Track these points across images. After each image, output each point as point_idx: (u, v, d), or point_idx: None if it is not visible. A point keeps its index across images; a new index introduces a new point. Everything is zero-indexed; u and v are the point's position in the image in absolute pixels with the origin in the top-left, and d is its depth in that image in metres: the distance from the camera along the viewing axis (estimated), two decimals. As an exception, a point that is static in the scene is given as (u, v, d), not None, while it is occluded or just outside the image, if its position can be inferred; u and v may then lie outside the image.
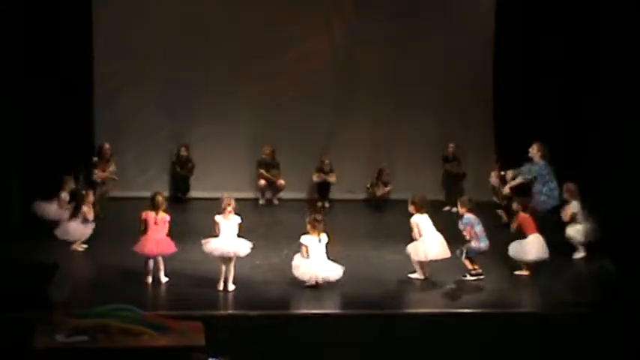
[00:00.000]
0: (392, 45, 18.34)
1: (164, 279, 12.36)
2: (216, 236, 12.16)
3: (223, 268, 12.11)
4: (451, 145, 17.89)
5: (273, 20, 18.02)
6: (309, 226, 12.39)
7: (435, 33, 18.34)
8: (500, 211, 15.99)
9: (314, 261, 12.25)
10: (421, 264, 12.90)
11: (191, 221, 14.75)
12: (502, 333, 11.44)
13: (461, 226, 12.99)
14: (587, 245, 14.20)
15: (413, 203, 13.01)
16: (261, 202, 17.75)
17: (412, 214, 12.95)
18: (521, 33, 17.61)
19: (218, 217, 12.18)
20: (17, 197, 15.37)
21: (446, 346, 11.28)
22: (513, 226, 13.59)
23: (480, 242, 12.90)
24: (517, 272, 13.35)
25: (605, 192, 14.70)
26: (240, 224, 12.23)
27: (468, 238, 12.90)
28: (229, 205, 12.15)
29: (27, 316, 10.20)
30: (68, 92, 16.36)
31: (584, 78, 16.34)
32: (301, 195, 17.79)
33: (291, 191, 17.91)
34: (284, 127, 17.81)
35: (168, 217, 12.47)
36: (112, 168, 16.38)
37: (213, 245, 12.15)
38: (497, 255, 13.75)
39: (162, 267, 12.36)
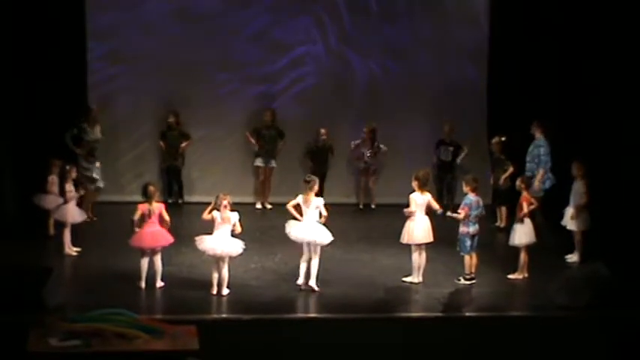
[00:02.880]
0: (385, 48, 18.40)
1: (160, 283, 12.35)
2: (210, 233, 12.15)
3: (215, 272, 12.11)
4: (445, 127, 17.65)
5: (269, 24, 18.06)
6: (304, 185, 12.53)
7: (428, 35, 18.42)
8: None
9: (304, 223, 12.32)
10: (418, 266, 12.92)
11: (185, 225, 14.73)
12: (496, 336, 11.45)
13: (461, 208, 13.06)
14: (583, 240, 14.23)
15: (417, 179, 13.00)
16: (258, 206, 17.72)
17: (413, 190, 12.98)
18: (516, 32, 17.70)
19: (216, 213, 12.14)
20: (11, 198, 15.40)
21: (440, 349, 11.28)
22: (520, 212, 13.45)
23: (468, 227, 12.91)
24: (511, 276, 13.36)
25: (601, 191, 14.73)
26: (240, 221, 12.20)
27: (461, 217, 12.91)
28: (225, 200, 12.13)
29: (21, 320, 10.21)
30: (62, 97, 16.39)
31: (582, 78, 16.43)
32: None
33: (287, 195, 17.86)
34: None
35: (162, 206, 12.47)
36: (97, 130, 16.32)
37: (206, 244, 12.14)
38: (491, 258, 13.78)
39: (159, 270, 12.34)
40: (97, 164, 16.18)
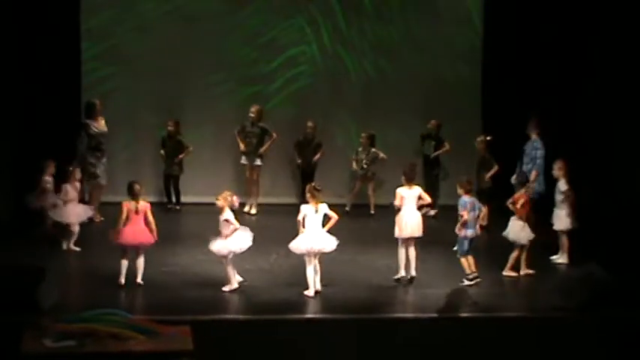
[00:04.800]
0: (379, 48, 18.42)
1: (140, 281, 12.32)
2: (227, 235, 12.15)
3: (231, 269, 12.16)
4: (432, 121, 17.68)
5: (261, 24, 18.07)
6: (308, 195, 12.36)
7: (422, 35, 18.46)
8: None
9: (309, 233, 12.21)
10: (405, 261, 12.90)
11: (180, 226, 14.72)
12: (493, 337, 11.44)
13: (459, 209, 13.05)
14: (570, 242, 14.22)
15: (404, 174, 13.04)
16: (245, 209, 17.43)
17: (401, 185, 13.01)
18: (510, 32, 17.78)
19: (229, 213, 12.16)
20: (8, 198, 15.38)
21: (435, 350, 11.28)
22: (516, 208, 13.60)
23: (466, 229, 12.89)
24: (505, 273, 13.43)
25: (599, 191, 14.74)
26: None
27: (465, 219, 12.89)
28: (237, 200, 12.24)
29: (15, 321, 10.20)
30: (57, 97, 16.43)
31: (576, 78, 16.44)
32: (290, 200, 17.61)
33: (280, 196, 17.89)
34: (272, 130, 17.72)
35: (148, 206, 12.46)
36: (102, 122, 16.27)
37: (220, 246, 12.13)
38: (485, 259, 13.77)
39: (141, 268, 12.33)
40: (104, 160, 16.23)
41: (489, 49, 18.37)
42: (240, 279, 12.33)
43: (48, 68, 16.39)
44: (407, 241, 12.89)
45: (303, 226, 12.25)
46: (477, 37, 18.58)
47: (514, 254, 13.46)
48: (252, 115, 17.30)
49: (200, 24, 17.83)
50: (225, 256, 12.19)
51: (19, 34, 16.07)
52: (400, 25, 18.44)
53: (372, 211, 17.60)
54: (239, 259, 12.43)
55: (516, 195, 13.68)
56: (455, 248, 13.06)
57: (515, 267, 13.49)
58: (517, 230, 13.46)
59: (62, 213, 14.10)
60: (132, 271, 12.33)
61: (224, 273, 12.22)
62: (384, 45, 18.44)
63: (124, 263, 12.29)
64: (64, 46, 16.69)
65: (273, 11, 18.13)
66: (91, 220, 14.91)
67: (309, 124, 17.67)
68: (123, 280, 12.26)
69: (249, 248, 12.32)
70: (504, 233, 13.56)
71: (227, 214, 12.16)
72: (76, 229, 14.10)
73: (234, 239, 12.17)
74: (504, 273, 13.44)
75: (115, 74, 17.74)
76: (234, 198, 12.25)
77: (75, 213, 14.11)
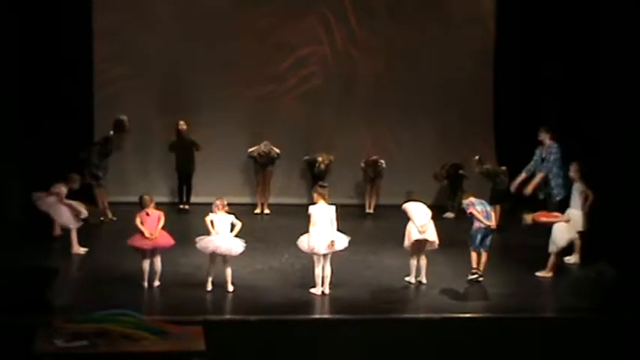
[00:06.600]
0: (391, 48, 18.41)
1: (156, 283, 12.35)
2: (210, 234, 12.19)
3: (212, 267, 12.15)
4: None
5: (273, 24, 18.08)
6: (315, 196, 12.43)
7: (434, 36, 18.45)
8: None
9: (319, 230, 12.20)
10: (415, 268, 12.91)
11: (190, 226, 14.71)
12: (502, 337, 11.43)
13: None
14: (583, 243, 14.21)
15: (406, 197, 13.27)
16: (257, 211, 17.49)
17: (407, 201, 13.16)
18: (522, 33, 17.78)
19: (211, 215, 12.22)
20: (17, 198, 15.42)
21: (445, 350, 11.28)
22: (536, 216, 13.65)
23: (480, 222, 12.91)
24: (539, 274, 13.45)
25: (604, 195, 14.71)
26: (233, 224, 12.22)
27: (478, 220, 12.92)
28: (220, 203, 12.23)
29: (27, 321, 10.22)
30: (68, 96, 16.48)
31: (586, 79, 16.40)
32: (302, 200, 17.58)
33: (292, 196, 17.89)
34: (283, 131, 17.76)
35: (161, 213, 12.47)
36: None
37: (206, 243, 12.16)
38: (498, 259, 13.75)
39: (158, 271, 12.34)
40: (106, 161, 16.28)
41: (502, 49, 18.36)
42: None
43: (60, 68, 16.44)
44: (418, 249, 12.91)
45: (314, 225, 12.23)
46: (490, 37, 18.57)
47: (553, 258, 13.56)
48: (265, 146, 17.40)
49: (211, 24, 17.84)
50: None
51: (32, 33, 16.11)
52: (412, 26, 18.43)
53: (371, 211, 17.63)
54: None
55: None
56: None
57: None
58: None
59: (58, 214, 14.09)
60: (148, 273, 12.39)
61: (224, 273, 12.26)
62: (396, 45, 18.43)
63: (146, 267, 12.29)
64: (76, 45, 16.75)
65: (284, 11, 18.13)
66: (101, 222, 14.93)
67: (320, 158, 17.55)
68: (146, 284, 12.28)
69: (239, 254, 12.27)
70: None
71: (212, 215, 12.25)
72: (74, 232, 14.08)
73: (220, 238, 12.16)
74: (538, 274, 13.55)
75: (126, 74, 17.77)
76: (217, 203, 12.35)
77: (66, 216, 14.10)
